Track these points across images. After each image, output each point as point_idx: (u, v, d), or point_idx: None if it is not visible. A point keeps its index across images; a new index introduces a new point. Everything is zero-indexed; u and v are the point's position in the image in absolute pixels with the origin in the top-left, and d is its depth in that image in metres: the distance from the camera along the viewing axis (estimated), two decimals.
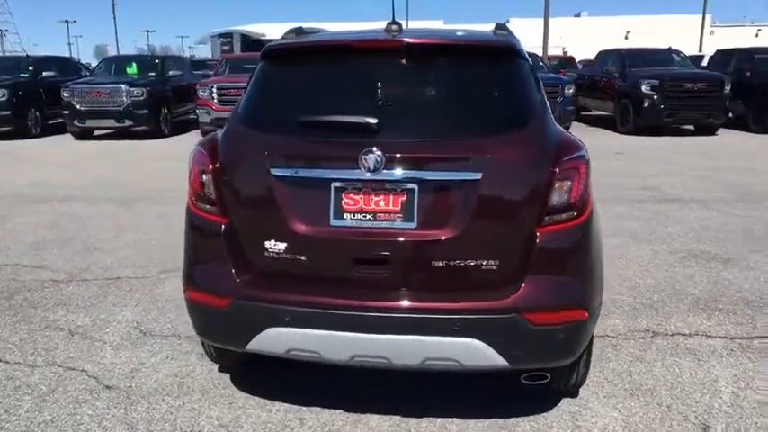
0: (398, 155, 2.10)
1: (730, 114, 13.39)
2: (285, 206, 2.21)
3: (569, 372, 2.47)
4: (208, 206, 2.34)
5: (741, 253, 4.81)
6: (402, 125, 2.20)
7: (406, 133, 2.18)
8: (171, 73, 13.23)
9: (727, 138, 12.68)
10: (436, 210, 2.13)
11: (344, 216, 2.17)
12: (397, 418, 2.60)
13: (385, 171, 2.10)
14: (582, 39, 40.18)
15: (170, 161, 9.83)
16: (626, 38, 43.31)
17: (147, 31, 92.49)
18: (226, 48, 44.03)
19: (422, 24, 41.47)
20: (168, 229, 5.62)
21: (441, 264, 2.14)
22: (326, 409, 2.65)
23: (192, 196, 2.41)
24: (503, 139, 2.16)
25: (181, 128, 14.07)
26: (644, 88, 12.72)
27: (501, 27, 2.67)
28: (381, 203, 2.15)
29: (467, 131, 2.20)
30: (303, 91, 2.39)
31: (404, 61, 2.33)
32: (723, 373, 2.96)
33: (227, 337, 2.37)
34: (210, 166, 2.33)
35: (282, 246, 2.22)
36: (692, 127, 13.41)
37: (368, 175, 2.12)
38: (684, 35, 36.96)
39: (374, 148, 2.10)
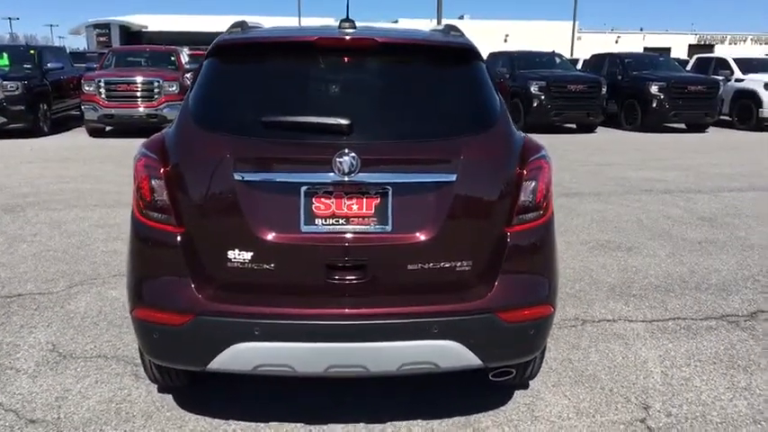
0: (372, 157, 2.05)
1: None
2: (250, 212, 2.07)
3: (527, 365, 2.55)
4: (159, 215, 2.14)
5: (640, 241, 5.27)
6: (373, 126, 2.14)
7: (379, 135, 2.13)
8: (49, 65, 11.99)
9: (605, 135, 13.86)
10: (411, 212, 2.11)
11: (316, 221, 2.08)
12: (361, 425, 2.55)
13: (359, 174, 2.04)
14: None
15: (53, 161, 8.97)
16: (505, 41, 45.67)
17: (10, 18, 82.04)
18: (103, 39, 40.77)
19: (315, 21, 41.10)
20: (66, 237, 5.12)
21: (417, 267, 2.12)
22: (287, 424, 2.54)
23: (139, 204, 2.18)
24: (474, 141, 2.18)
25: (62, 125, 12.89)
26: (533, 89, 13.55)
27: (452, 28, 2.69)
28: (355, 207, 2.08)
29: (439, 133, 2.18)
30: (264, 90, 2.24)
31: (370, 60, 2.27)
32: (650, 355, 3.21)
33: (186, 358, 2.18)
34: (162, 171, 2.13)
35: (248, 255, 2.08)
36: (574, 126, 14.47)
37: (341, 178, 2.04)
38: (557, 39, 39.65)
39: (349, 150, 2.03)
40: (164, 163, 2.14)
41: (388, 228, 2.09)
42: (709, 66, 16.58)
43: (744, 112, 15.17)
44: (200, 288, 2.11)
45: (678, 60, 19.21)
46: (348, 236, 2.08)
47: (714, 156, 10.71)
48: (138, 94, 11.08)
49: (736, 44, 56.36)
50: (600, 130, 14.41)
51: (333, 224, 2.08)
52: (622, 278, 4.38)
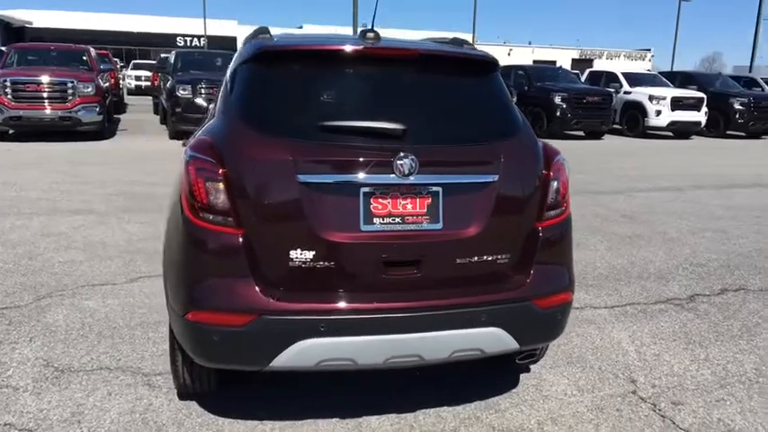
0: (426, 159, 2.20)
1: None
2: (313, 213, 2.14)
3: (545, 348, 2.81)
4: (217, 217, 2.14)
5: (583, 236, 5.77)
6: (423, 131, 2.29)
7: (429, 139, 2.28)
8: None
9: None
10: (459, 210, 2.28)
11: (374, 221, 2.19)
12: (393, 416, 2.67)
13: (415, 175, 2.19)
14: None
15: None
16: None
17: None
18: None
19: (215, 23, 39.82)
20: (11, 248, 4.76)
21: (464, 261, 2.30)
22: (322, 420, 2.61)
23: (193, 207, 2.17)
24: (510, 144, 2.40)
25: None
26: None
27: (464, 42, 2.90)
28: (409, 207, 2.22)
29: (480, 137, 2.38)
30: (318, 95, 2.32)
31: (413, 69, 2.42)
32: (621, 336, 3.60)
33: (247, 358, 2.20)
34: (220, 174, 2.14)
35: (310, 254, 2.15)
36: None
37: (400, 180, 2.17)
38: None
39: (408, 153, 2.17)
40: (221, 166, 2.15)
41: (439, 225, 2.25)
42: (601, 79, 18.28)
43: (632, 121, 16.91)
44: (263, 288, 2.14)
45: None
46: (403, 234, 2.22)
47: (617, 160, 11.81)
48: (49, 95, 10.27)
49: (611, 59, 61.71)
50: None
51: (389, 223, 2.21)
52: (577, 270, 4.78)
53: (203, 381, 2.56)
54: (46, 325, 3.40)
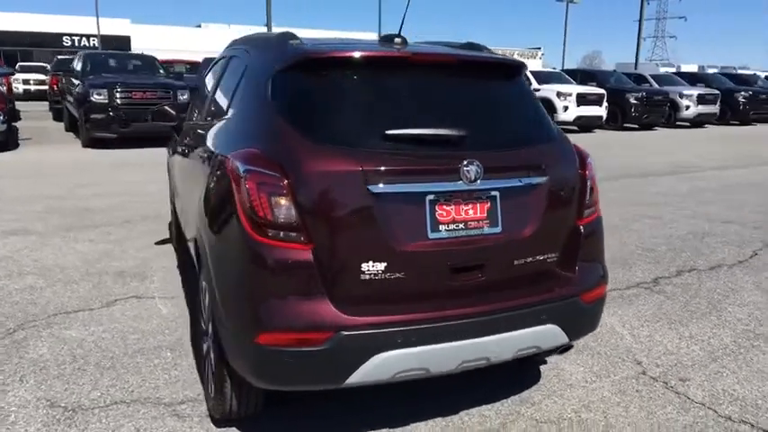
0: (488, 165, 2.23)
1: None
2: (382, 223, 2.10)
3: None
4: (284, 233, 2.04)
5: None
6: (479, 136, 2.31)
7: (485, 144, 2.31)
8: None
9: None
10: (515, 213, 2.32)
11: (440, 228, 2.19)
12: (439, 419, 2.69)
13: (480, 181, 2.21)
14: None
15: None
16: None
17: None
18: None
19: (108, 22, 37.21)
20: None
21: (521, 262, 2.35)
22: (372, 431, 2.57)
23: (256, 224, 2.05)
24: (552, 147, 2.48)
25: None
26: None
27: (479, 47, 2.95)
28: (470, 212, 2.24)
29: (527, 141, 2.44)
30: (373, 103, 2.26)
31: (455, 75, 2.45)
32: (613, 321, 3.83)
33: (323, 377, 2.11)
34: (286, 187, 2.05)
35: (381, 265, 2.11)
36: None
37: (467, 186, 2.18)
38: None
39: (474, 159, 2.18)
40: (285, 178, 2.05)
41: (498, 229, 2.29)
42: None
43: None
44: (336, 303, 2.07)
45: None
46: (467, 239, 2.24)
47: None
48: None
49: None
50: None
51: (454, 229, 2.21)
52: None
53: (250, 404, 2.43)
54: (32, 361, 3.06)
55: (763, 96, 21.58)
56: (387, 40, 2.62)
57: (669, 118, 19.80)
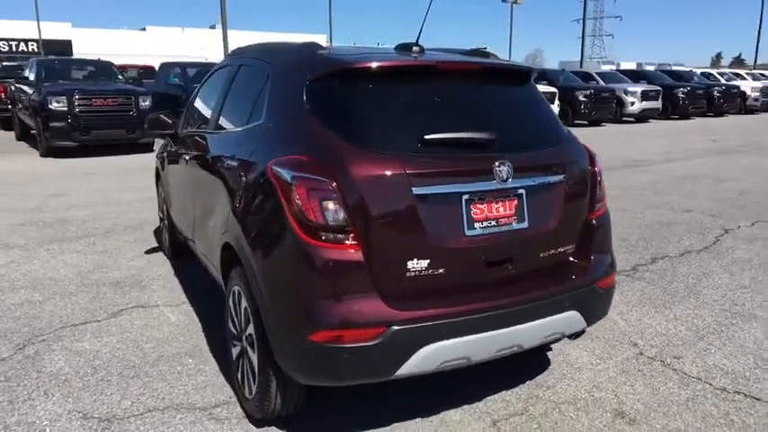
0: (517, 165, 2.39)
1: None
2: (425, 223, 2.23)
3: None
4: (335, 235, 2.14)
5: None
6: (507, 138, 2.47)
7: (513, 145, 2.47)
8: None
9: None
10: (539, 209, 2.50)
11: (475, 225, 2.34)
12: (466, 407, 2.84)
13: (511, 180, 2.37)
14: (221, 50, 40.98)
15: None
16: None
17: None
18: None
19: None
20: None
21: (546, 254, 2.54)
22: (408, 422, 2.69)
23: (307, 227, 2.15)
24: (567, 146, 2.68)
25: None
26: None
27: (487, 53, 3.11)
28: (501, 210, 2.40)
29: (546, 141, 2.62)
30: (407, 109, 2.39)
31: (480, 82, 2.61)
32: None
33: (375, 370, 2.22)
34: (336, 192, 2.15)
35: (425, 262, 2.24)
36: None
37: (500, 185, 2.34)
38: None
39: (505, 160, 2.34)
40: (335, 183, 2.16)
41: (525, 224, 2.46)
42: None
43: None
44: (386, 299, 2.19)
45: None
46: (499, 235, 2.40)
47: None
48: None
49: None
50: None
51: (487, 226, 2.37)
52: None
53: (294, 402, 2.52)
54: (52, 375, 3.04)
55: (700, 92, 22.86)
56: (404, 48, 2.76)
57: (615, 114, 20.73)
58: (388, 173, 2.20)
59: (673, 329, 3.74)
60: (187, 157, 3.69)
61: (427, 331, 2.22)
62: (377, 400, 2.84)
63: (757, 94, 25.02)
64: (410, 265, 2.23)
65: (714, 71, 28.23)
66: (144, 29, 43.27)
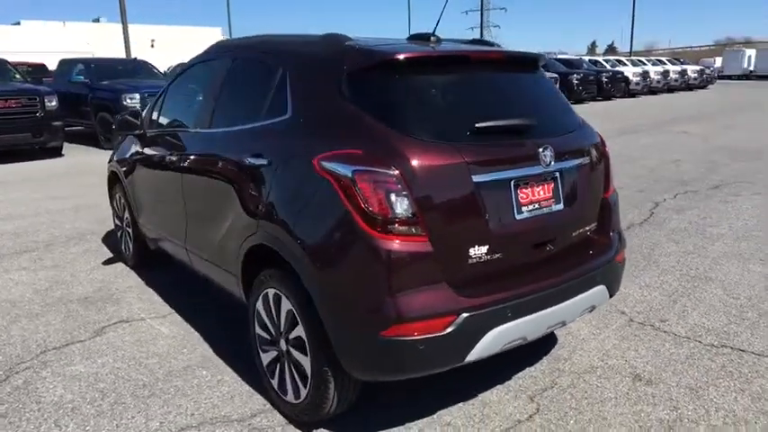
0: (557, 150, 2.49)
1: None
2: (483, 211, 2.27)
3: None
4: (404, 227, 2.11)
5: None
6: (543, 124, 2.56)
7: (550, 131, 2.56)
8: None
9: None
10: (570, 190, 2.61)
11: (522, 209, 2.40)
12: (501, 386, 2.92)
13: (552, 164, 2.46)
14: (109, 45, 38.39)
15: None
16: (152, 46, 43.62)
17: None
18: None
19: None
20: None
21: (577, 233, 2.66)
22: (451, 407, 2.73)
23: (373, 223, 2.10)
24: (584, 130, 2.81)
25: None
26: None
27: (491, 43, 3.18)
28: (541, 193, 2.48)
29: (571, 126, 2.73)
30: (452, 99, 2.40)
31: (509, 71, 2.69)
32: None
33: (447, 358, 2.22)
34: (402, 184, 2.11)
35: (484, 249, 2.28)
36: None
37: (544, 169, 2.42)
38: (205, 45, 39.91)
39: (548, 145, 2.42)
40: (401, 176, 2.13)
41: (561, 206, 2.57)
42: None
43: None
44: (455, 288, 2.20)
45: None
46: (543, 216, 2.48)
47: None
48: None
49: None
50: None
51: (533, 210, 2.45)
52: None
53: (350, 401, 2.47)
54: (55, 404, 2.75)
55: (592, 78, 24.57)
56: (421, 38, 2.77)
57: None
58: (450, 162, 2.21)
59: (649, 296, 4.05)
60: (174, 159, 3.44)
61: (493, 315, 2.26)
62: (417, 392, 2.84)
63: (638, 78, 27.33)
64: (471, 252, 2.26)
65: (600, 58, 30.42)
66: (18, 23, 39.46)
